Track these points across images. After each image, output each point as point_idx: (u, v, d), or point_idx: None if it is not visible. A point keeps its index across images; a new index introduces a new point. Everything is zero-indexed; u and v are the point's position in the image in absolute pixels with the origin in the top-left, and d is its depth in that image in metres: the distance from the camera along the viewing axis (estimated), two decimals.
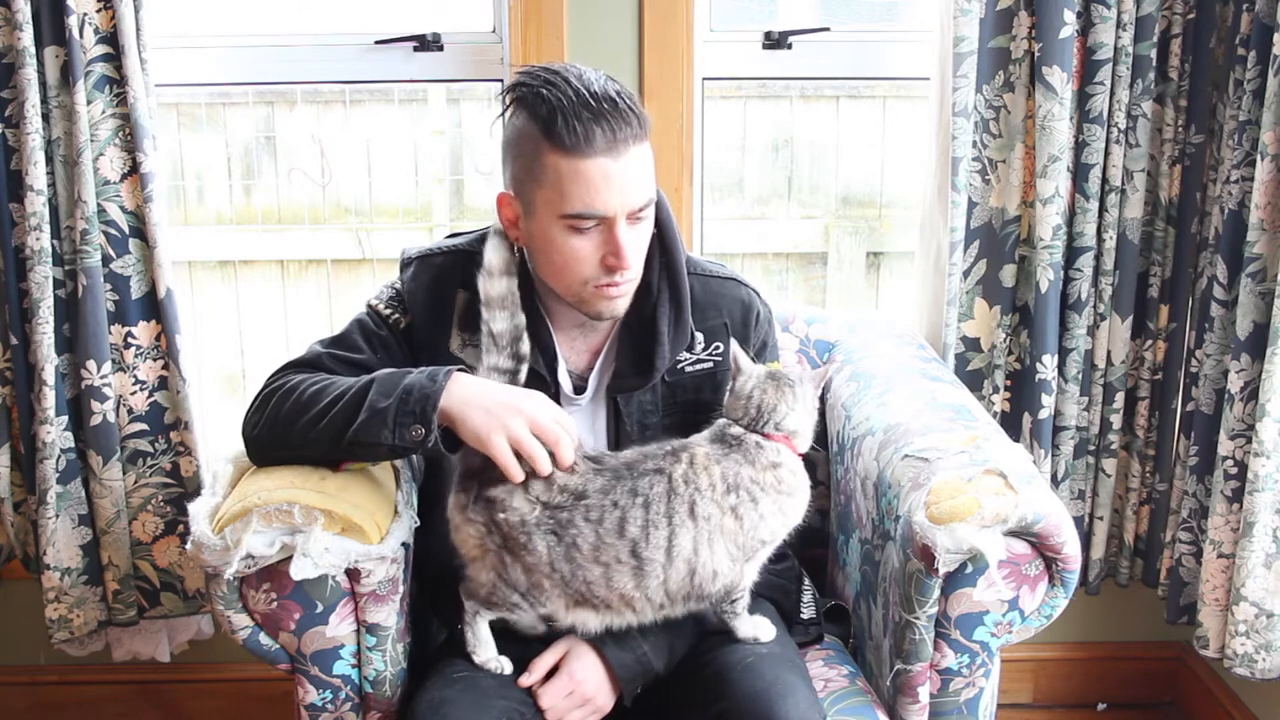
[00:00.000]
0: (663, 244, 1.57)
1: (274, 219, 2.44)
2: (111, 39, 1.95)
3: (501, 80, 2.19)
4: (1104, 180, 2.05)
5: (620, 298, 1.51)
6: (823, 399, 1.98)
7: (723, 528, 1.44)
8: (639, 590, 1.43)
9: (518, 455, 1.40)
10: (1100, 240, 2.08)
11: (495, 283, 1.50)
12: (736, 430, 1.49)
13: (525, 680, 1.49)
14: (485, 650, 1.51)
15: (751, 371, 1.52)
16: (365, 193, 2.44)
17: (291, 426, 1.47)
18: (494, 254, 1.51)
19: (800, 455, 1.51)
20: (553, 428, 1.41)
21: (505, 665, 1.51)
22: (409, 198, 2.46)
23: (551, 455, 1.42)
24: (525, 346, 1.50)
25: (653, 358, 1.56)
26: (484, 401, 1.42)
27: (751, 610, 1.56)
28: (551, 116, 1.40)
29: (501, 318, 1.49)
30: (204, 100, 2.37)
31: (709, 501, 1.43)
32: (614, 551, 1.42)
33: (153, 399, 2.10)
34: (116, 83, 1.98)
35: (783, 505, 1.47)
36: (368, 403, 1.42)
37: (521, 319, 1.51)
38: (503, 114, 1.49)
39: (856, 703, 1.56)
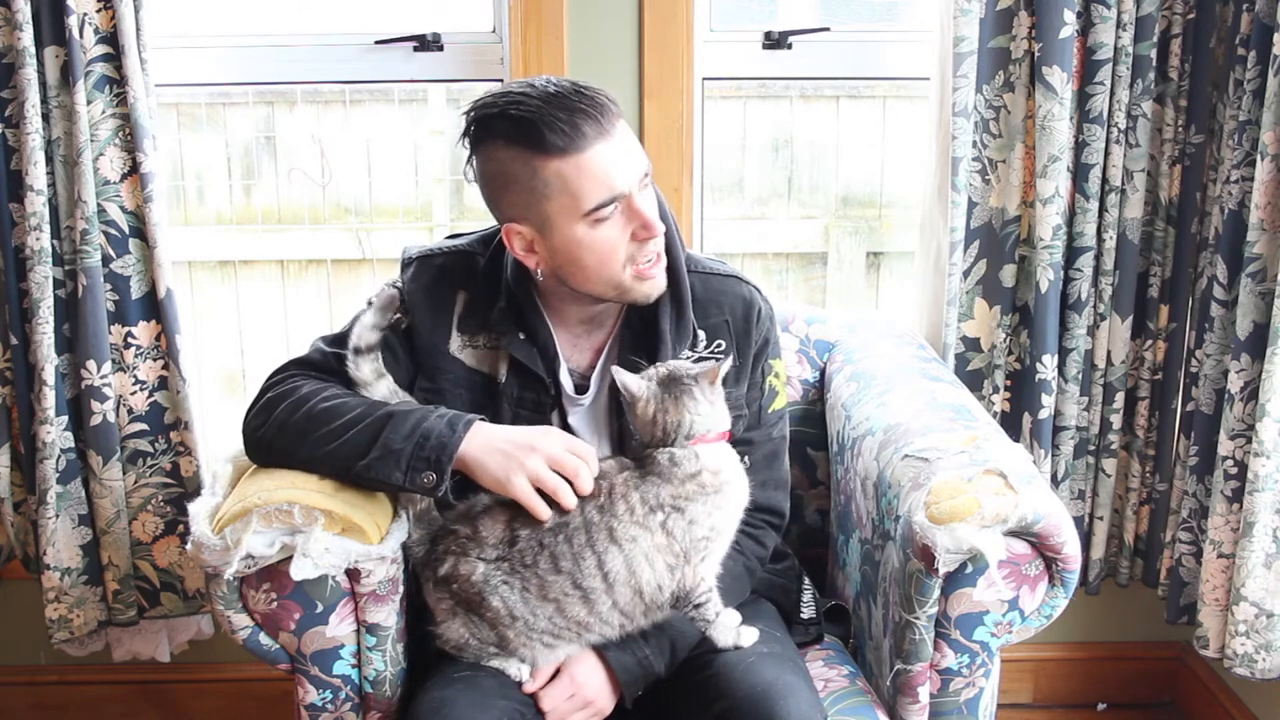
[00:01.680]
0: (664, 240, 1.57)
1: (274, 219, 2.44)
2: (111, 39, 1.95)
3: (501, 80, 2.19)
4: (1104, 180, 2.05)
5: (659, 274, 1.52)
6: (822, 399, 1.99)
7: (655, 545, 1.43)
8: (593, 616, 1.45)
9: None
10: (1100, 240, 2.08)
11: (374, 390, 1.52)
12: (650, 450, 1.47)
13: (530, 687, 1.49)
14: (510, 666, 1.51)
15: (642, 392, 1.46)
16: (365, 193, 2.44)
17: (299, 441, 1.47)
18: (364, 369, 1.52)
19: (724, 438, 1.48)
20: (570, 460, 1.44)
21: (524, 672, 1.50)
22: (409, 198, 2.46)
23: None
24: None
25: (654, 355, 1.56)
26: (500, 446, 1.44)
27: (750, 613, 1.56)
28: (534, 130, 1.39)
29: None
30: (204, 100, 2.37)
31: (629, 524, 1.43)
32: (558, 586, 1.43)
33: (153, 399, 2.10)
34: (116, 83, 1.98)
35: (716, 503, 1.45)
36: (382, 440, 1.43)
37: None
38: (471, 158, 1.48)
39: (856, 703, 1.56)
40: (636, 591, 1.44)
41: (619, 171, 1.43)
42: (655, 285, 1.52)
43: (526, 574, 1.44)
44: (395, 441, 1.43)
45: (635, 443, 1.50)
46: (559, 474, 1.43)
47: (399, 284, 1.62)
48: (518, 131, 1.40)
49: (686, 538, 1.43)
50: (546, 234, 1.46)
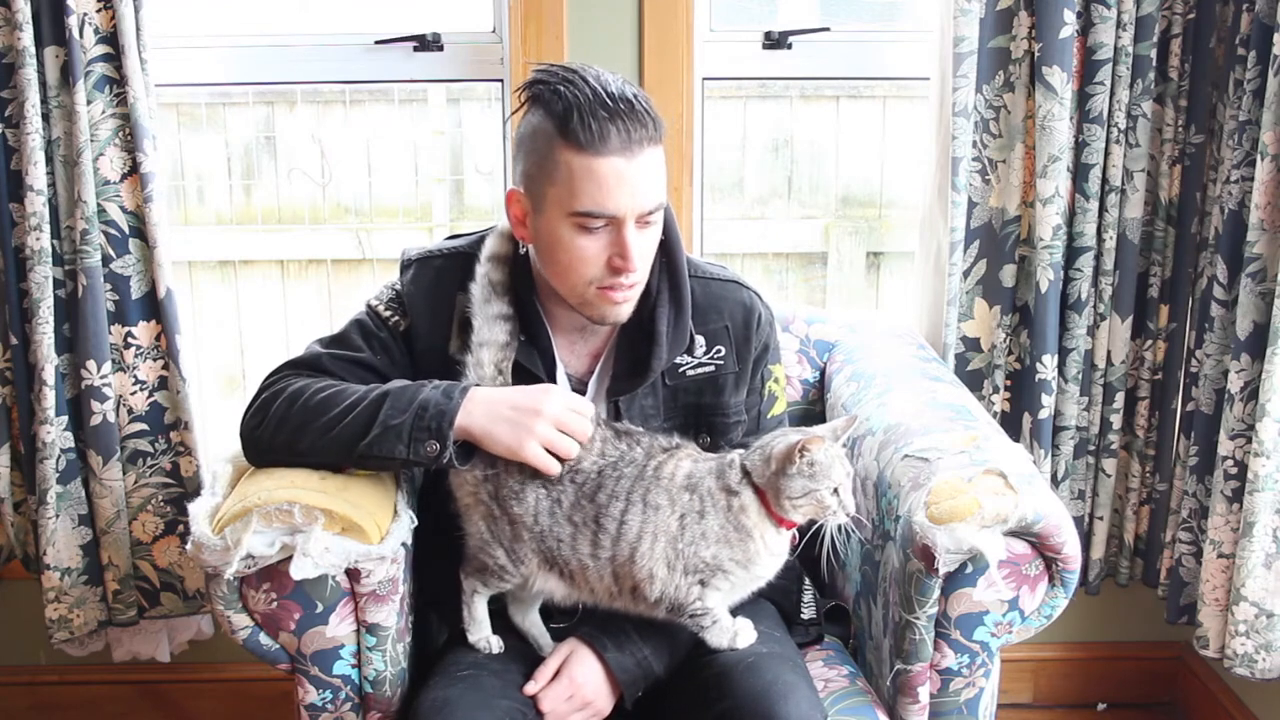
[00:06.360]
0: (664, 246, 1.57)
1: (274, 219, 2.44)
2: (111, 39, 1.95)
3: (502, 80, 2.19)
4: (1104, 180, 2.05)
5: (623, 303, 1.51)
6: (822, 399, 1.99)
7: (667, 528, 1.44)
8: (593, 560, 1.46)
9: None
10: (1100, 240, 2.08)
11: (495, 270, 1.55)
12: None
13: (531, 689, 1.49)
14: (479, 630, 1.54)
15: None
16: (365, 193, 2.44)
17: (298, 433, 1.47)
18: (495, 243, 1.56)
19: (786, 525, 1.47)
20: (575, 421, 1.46)
21: (495, 644, 1.53)
22: (409, 198, 2.46)
23: None
24: (509, 364, 1.54)
25: (649, 359, 1.56)
26: (504, 413, 1.44)
27: (750, 613, 1.56)
28: (568, 113, 1.40)
29: (490, 326, 1.52)
30: (204, 100, 2.37)
31: (661, 490, 1.45)
32: (584, 513, 1.45)
33: (153, 399, 2.11)
34: (116, 83, 1.98)
35: (730, 537, 1.45)
36: (380, 419, 1.43)
37: (503, 331, 1.53)
38: (517, 110, 1.50)
39: (856, 703, 1.56)
40: (630, 560, 1.44)
41: (620, 194, 1.42)
42: (616, 311, 1.52)
43: (569, 489, 1.46)
44: (394, 417, 1.43)
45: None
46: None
47: (399, 286, 1.62)
48: (556, 108, 1.42)
49: (692, 545, 1.44)
50: (538, 212, 1.48)
